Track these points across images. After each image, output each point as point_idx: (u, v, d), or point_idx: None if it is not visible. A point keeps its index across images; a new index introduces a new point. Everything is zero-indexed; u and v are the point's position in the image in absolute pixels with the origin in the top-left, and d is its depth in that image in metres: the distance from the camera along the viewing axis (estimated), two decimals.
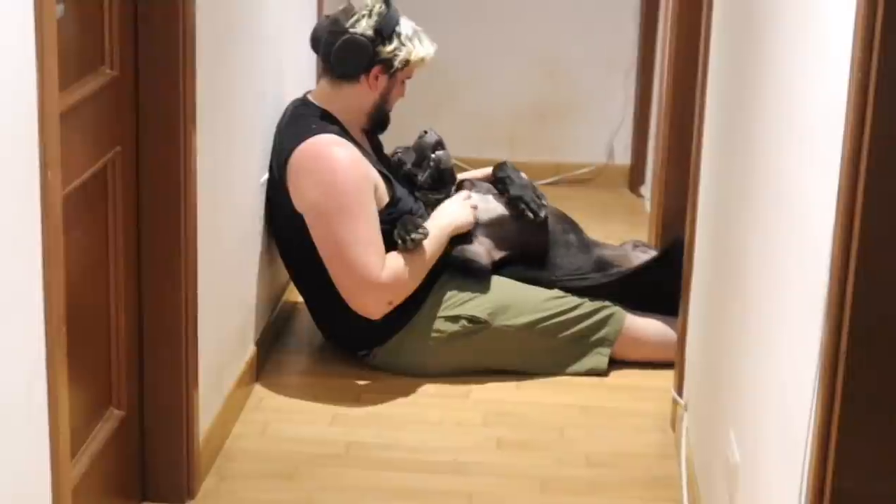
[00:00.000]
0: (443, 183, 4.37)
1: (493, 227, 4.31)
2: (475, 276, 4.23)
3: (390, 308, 4.08)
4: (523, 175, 4.48)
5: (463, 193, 4.36)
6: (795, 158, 2.28)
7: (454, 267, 4.22)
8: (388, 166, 4.34)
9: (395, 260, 4.04)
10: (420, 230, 4.05)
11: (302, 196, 4.05)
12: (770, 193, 2.53)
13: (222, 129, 3.58)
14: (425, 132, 4.43)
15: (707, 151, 3.58)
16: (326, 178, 4.01)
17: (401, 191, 4.21)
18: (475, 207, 4.30)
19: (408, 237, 4.03)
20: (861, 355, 1.83)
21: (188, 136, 3.16)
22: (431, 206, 4.27)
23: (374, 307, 4.06)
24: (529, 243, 4.34)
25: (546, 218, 4.35)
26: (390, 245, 4.06)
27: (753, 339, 2.64)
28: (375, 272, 3.99)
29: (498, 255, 4.30)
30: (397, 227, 4.06)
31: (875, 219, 1.77)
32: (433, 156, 4.37)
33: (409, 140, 4.46)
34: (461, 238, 4.24)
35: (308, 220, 4.05)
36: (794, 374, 2.15)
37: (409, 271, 4.05)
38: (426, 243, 4.07)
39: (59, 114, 2.28)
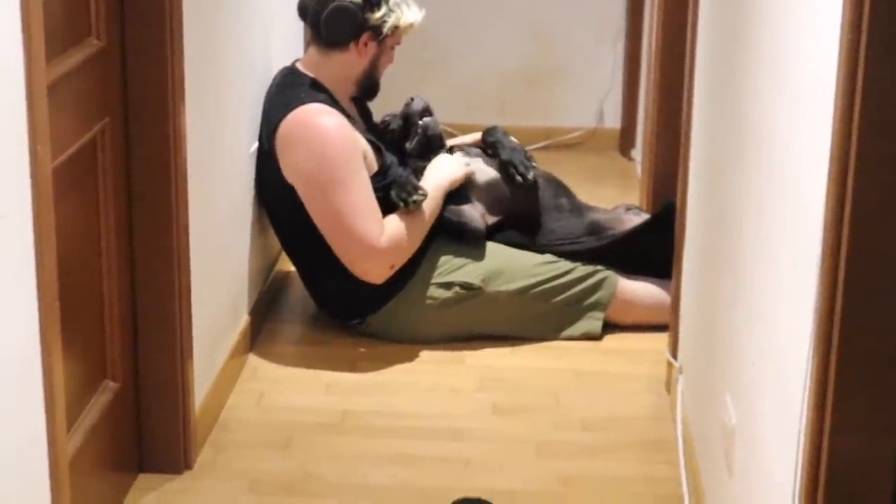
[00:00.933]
0: (431, 149, 4.36)
1: (486, 191, 4.31)
2: (470, 240, 4.22)
3: (393, 272, 4.07)
4: (513, 139, 4.47)
5: (458, 155, 4.35)
6: (787, 119, 2.28)
7: (448, 231, 4.21)
8: (377, 134, 4.33)
9: (394, 223, 4.04)
10: (420, 191, 4.05)
11: (293, 168, 4.04)
12: (762, 156, 2.52)
13: (211, 98, 3.56)
14: (412, 99, 4.42)
15: (697, 113, 3.57)
16: (316, 149, 3.99)
17: (390, 158, 4.20)
18: (468, 165, 4.30)
19: (409, 199, 4.02)
20: (856, 315, 1.83)
21: (177, 105, 3.15)
22: (420, 173, 4.26)
23: (376, 273, 4.06)
24: (520, 207, 4.34)
25: (535, 181, 4.34)
26: (385, 211, 4.05)
27: (748, 300, 2.63)
28: (375, 238, 3.99)
29: (491, 219, 4.30)
30: (394, 189, 4.06)
31: (867, 179, 1.77)
32: (421, 122, 4.37)
33: (399, 107, 4.45)
34: (456, 199, 4.23)
35: (301, 192, 4.04)
36: (789, 335, 2.15)
37: (409, 233, 4.05)
38: (424, 203, 4.07)
39: (47, 86, 2.27)
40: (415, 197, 4.03)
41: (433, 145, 4.38)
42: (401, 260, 4.08)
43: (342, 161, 3.99)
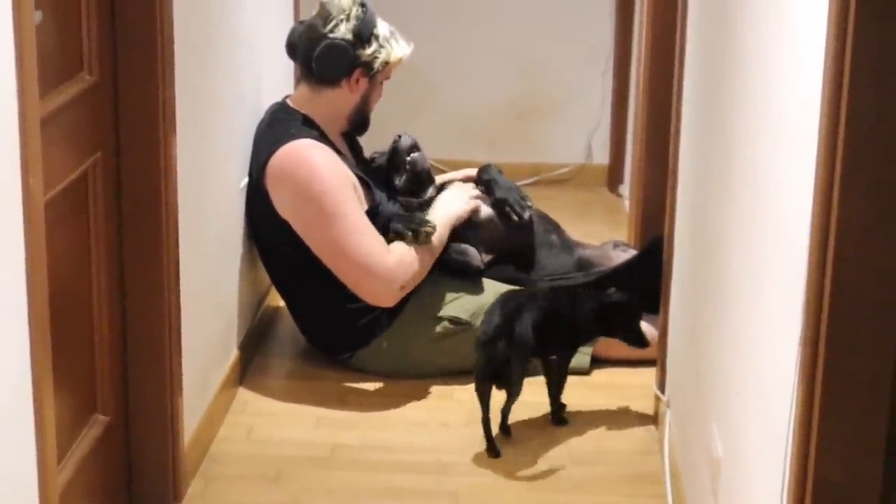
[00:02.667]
0: (420, 185, 4.37)
1: (482, 230, 4.33)
2: (469, 277, 4.24)
3: (403, 294, 4.08)
4: (506, 178, 4.50)
5: (468, 187, 4.37)
6: (771, 153, 2.30)
7: (450, 268, 4.23)
8: (367, 170, 4.35)
9: (400, 246, 4.07)
10: (430, 224, 4.09)
11: (285, 203, 4.06)
12: (747, 189, 2.54)
13: (201, 133, 3.58)
14: (399, 137, 4.44)
15: (685, 148, 3.60)
16: (305, 182, 4.02)
17: (379, 195, 4.23)
18: (478, 197, 4.33)
19: (420, 230, 4.05)
20: (840, 346, 1.85)
21: (168, 140, 3.17)
22: (412, 209, 4.27)
23: (386, 294, 4.07)
24: (515, 245, 4.36)
25: (531, 219, 4.37)
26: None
27: (734, 333, 2.65)
28: (380, 257, 4.01)
29: (486, 258, 4.32)
30: (401, 223, 4.09)
31: (851, 209, 1.79)
32: (408, 158, 4.38)
33: (389, 142, 4.47)
34: (454, 237, 4.26)
35: (296, 226, 4.06)
36: (774, 366, 2.16)
37: (416, 258, 4.08)
38: (434, 236, 4.10)
39: (40, 120, 2.29)
40: (425, 229, 4.06)
41: (422, 180, 4.39)
42: (410, 281, 4.08)
43: (334, 191, 4.01)
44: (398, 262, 4.03)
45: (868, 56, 1.73)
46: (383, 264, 4.01)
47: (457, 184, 4.38)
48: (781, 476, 2.03)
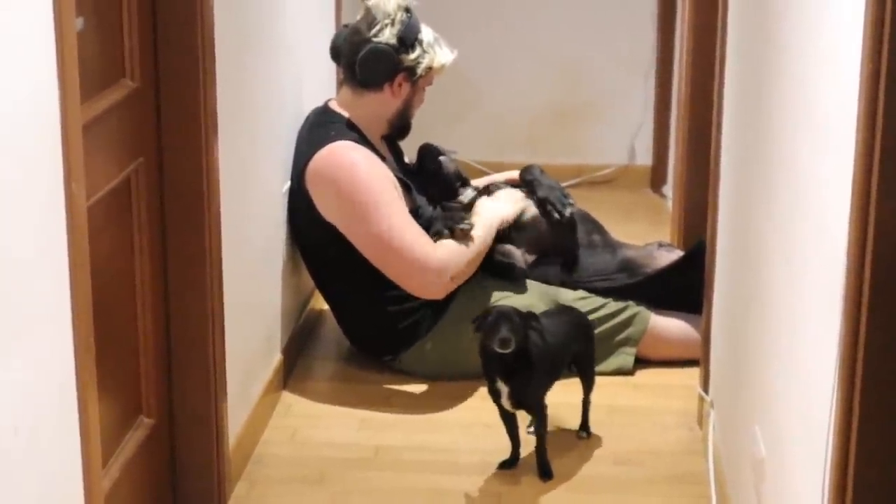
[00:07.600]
0: (450, 188, 4.36)
1: (526, 230, 4.33)
2: (513, 279, 4.25)
3: (454, 286, 4.10)
4: (549, 177, 4.50)
5: (517, 192, 4.38)
6: (810, 154, 2.30)
7: (495, 270, 4.23)
8: (408, 174, 4.36)
9: (448, 241, 4.09)
10: (467, 221, 4.10)
11: (329, 206, 4.08)
12: (787, 190, 2.54)
13: (243, 138, 3.60)
14: (425, 144, 4.45)
15: (726, 150, 3.59)
16: (348, 183, 4.03)
17: (420, 199, 4.24)
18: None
19: (456, 227, 4.08)
20: (880, 346, 1.85)
21: (210, 145, 3.18)
22: (455, 212, 4.27)
23: (436, 285, 4.08)
24: (560, 244, 4.37)
25: (572, 217, 4.37)
26: None
27: (775, 334, 2.65)
28: (429, 251, 4.03)
29: (530, 258, 4.32)
30: (441, 222, 4.11)
31: (889, 213, 1.79)
32: (434, 165, 4.39)
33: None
34: (497, 238, 4.27)
35: (342, 228, 4.07)
36: (814, 367, 2.16)
37: (465, 249, 4.09)
38: (477, 233, 4.11)
39: (82, 126, 2.31)
40: (462, 225, 4.07)
41: (450, 184, 4.38)
42: (461, 273, 4.10)
43: (377, 187, 4.03)
44: (447, 253, 4.05)
45: None
46: (433, 255, 4.03)
47: (507, 189, 4.38)
48: (822, 477, 2.03)
